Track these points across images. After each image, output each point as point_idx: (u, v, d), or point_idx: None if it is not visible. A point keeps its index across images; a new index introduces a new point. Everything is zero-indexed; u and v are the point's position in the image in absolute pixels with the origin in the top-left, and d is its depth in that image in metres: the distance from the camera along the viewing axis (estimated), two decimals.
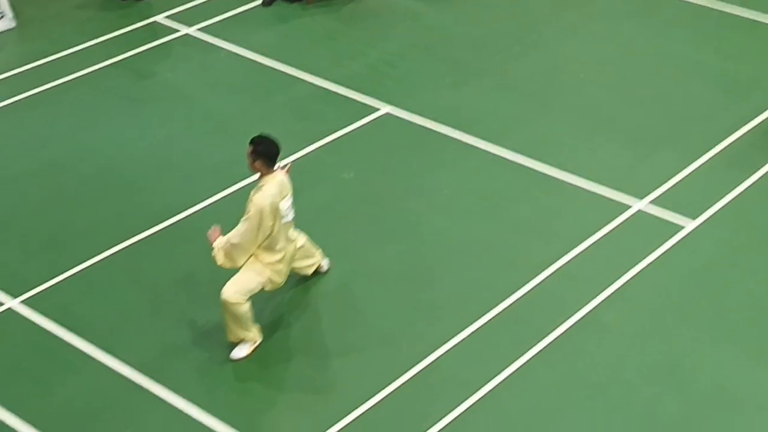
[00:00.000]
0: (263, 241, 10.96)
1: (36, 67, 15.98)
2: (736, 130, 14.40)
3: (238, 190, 13.16)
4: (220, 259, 11.00)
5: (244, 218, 10.84)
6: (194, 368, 11.10)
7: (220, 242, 10.98)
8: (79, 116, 14.91)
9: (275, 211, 10.88)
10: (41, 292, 11.96)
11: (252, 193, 11.00)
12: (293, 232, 11.38)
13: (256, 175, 11.08)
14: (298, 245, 11.54)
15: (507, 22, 17.05)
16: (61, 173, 13.83)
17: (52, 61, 16.11)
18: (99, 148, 14.25)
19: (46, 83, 15.55)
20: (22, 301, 11.82)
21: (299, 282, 12.02)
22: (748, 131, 14.38)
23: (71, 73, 15.76)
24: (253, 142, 10.94)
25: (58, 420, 10.57)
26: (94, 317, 11.67)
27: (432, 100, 15.15)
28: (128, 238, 12.66)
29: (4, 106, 15.13)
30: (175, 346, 11.33)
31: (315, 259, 11.99)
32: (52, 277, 12.13)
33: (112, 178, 13.73)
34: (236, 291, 10.95)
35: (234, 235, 10.88)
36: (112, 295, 11.97)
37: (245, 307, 11.01)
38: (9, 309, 11.76)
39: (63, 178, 13.75)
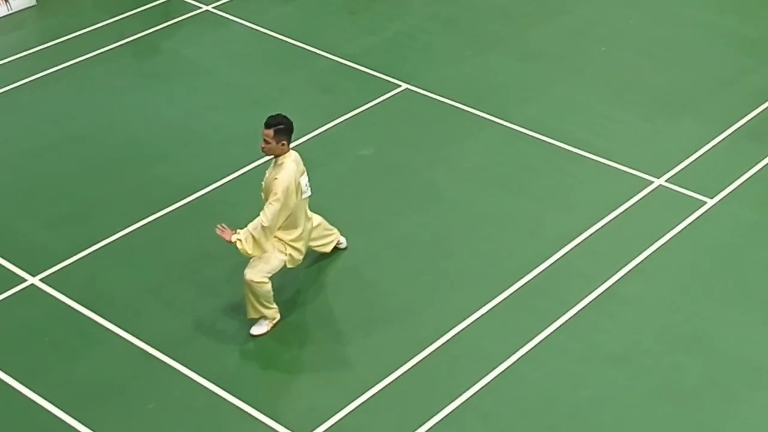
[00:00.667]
0: (285, 219, 10.97)
1: (57, 44, 15.99)
2: (759, 101, 14.33)
3: (260, 164, 13.16)
4: (249, 248, 10.80)
5: (272, 200, 10.76)
6: (214, 344, 11.12)
7: (244, 233, 10.78)
8: (102, 91, 14.94)
9: (297, 188, 10.89)
10: (63, 268, 12.00)
11: (270, 173, 10.98)
12: (308, 211, 11.40)
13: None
14: (315, 224, 11.54)
15: None
16: (84, 147, 13.85)
17: (73, 37, 16.11)
18: (121, 123, 14.27)
19: (68, 60, 15.56)
20: (44, 278, 11.86)
21: (319, 258, 12.01)
22: None
23: (93, 50, 15.76)
24: (272, 124, 10.83)
25: (80, 392, 10.62)
26: (115, 294, 11.70)
27: (452, 74, 15.10)
28: (149, 214, 12.69)
29: (28, 81, 15.16)
30: (195, 322, 11.35)
31: (333, 237, 11.98)
32: (75, 253, 12.17)
33: (134, 151, 13.75)
34: (259, 271, 10.95)
35: (264, 219, 10.76)
36: (133, 271, 12.00)
37: (268, 287, 11.01)
38: (32, 285, 11.80)
39: (86, 152, 13.77)
